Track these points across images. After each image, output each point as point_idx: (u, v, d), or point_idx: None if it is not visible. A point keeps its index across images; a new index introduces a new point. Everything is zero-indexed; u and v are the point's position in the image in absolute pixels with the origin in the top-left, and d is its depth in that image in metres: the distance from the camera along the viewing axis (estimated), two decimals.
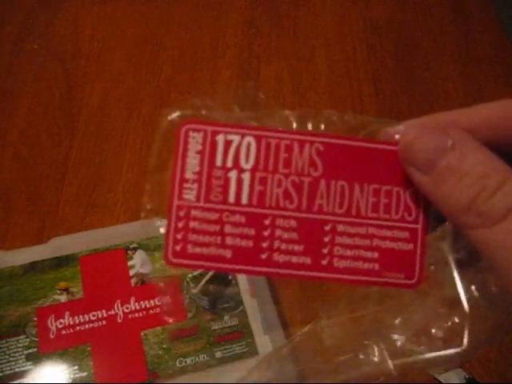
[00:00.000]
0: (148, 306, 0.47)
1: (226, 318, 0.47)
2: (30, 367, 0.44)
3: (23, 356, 0.45)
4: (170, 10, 0.78)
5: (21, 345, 0.45)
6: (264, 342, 0.46)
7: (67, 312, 0.47)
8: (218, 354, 0.45)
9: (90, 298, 0.48)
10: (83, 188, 0.62)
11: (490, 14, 0.77)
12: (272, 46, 0.74)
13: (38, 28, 0.76)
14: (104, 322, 0.46)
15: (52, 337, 0.46)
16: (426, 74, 0.71)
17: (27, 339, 0.46)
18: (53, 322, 0.46)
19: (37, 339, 0.46)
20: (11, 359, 0.45)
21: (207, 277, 0.49)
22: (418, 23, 0.76)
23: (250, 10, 0.77)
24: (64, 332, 0.46)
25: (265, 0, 0.78)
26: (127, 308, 0.47)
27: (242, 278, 0.49)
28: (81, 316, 0.47)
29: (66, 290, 0.48)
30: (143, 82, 0.71)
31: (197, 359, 0.45)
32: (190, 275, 0.49)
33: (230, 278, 0.49)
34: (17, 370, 0.44)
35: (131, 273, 0.49)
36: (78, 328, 0.46)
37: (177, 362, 0.44)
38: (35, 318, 0.46)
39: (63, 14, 0.77)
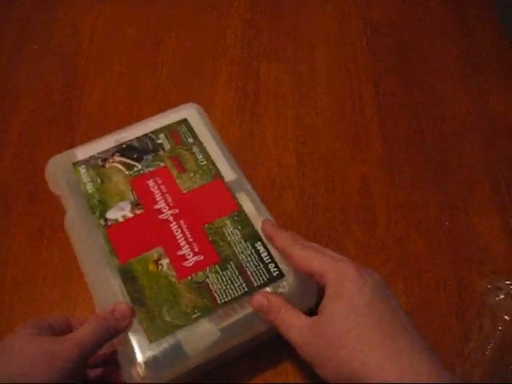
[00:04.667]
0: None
1: None
2: None
3: None
4: (170, 10, 0.78)
5: None
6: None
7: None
8: None
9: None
10: None
11: (490, 15, 0.77)
12: (272, 46, 0.74)
13: (38, 28, 0.76)
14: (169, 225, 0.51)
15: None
16: (426, 74, 0.71)
17: None
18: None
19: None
20: None
21: None
22: (418, 23, 0.76)
23: (250, 9, 0.77)
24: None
25: (265, 0, 0.78)
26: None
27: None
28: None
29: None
30: (143, 82, 0.71)
31: None
32: None
33: None
34: None
35: None
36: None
37: None
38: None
39: (63, 14, 0.77)
